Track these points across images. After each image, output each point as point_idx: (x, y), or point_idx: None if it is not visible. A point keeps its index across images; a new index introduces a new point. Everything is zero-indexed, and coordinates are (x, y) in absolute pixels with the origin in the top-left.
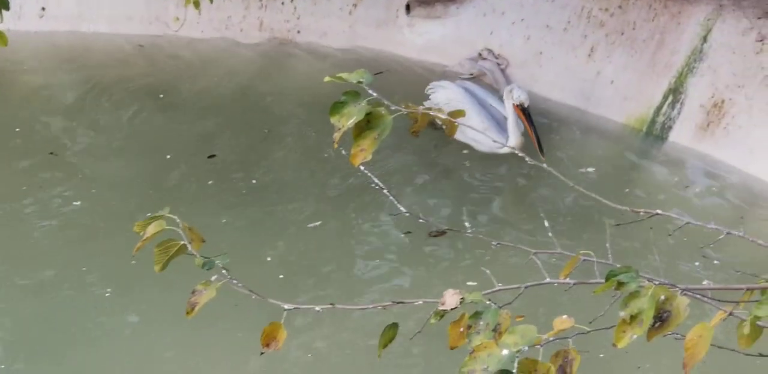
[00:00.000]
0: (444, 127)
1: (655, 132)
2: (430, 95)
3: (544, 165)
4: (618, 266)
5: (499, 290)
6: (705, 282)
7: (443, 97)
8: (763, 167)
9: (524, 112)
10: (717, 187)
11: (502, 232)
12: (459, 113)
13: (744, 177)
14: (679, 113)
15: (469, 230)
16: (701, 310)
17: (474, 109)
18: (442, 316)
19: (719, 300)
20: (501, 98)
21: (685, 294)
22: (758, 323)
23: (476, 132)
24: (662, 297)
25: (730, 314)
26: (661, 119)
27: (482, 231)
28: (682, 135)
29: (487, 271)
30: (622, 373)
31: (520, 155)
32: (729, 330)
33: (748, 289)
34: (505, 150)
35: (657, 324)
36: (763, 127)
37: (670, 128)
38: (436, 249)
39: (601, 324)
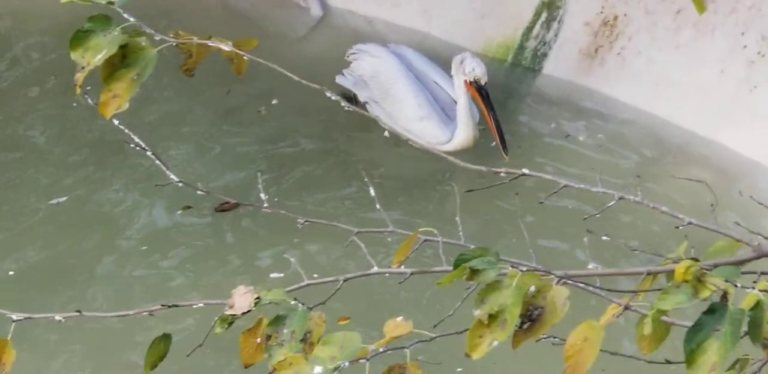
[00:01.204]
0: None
1: (525, 62)
2: (351, 62)
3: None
4: (471, 247)
5: (310, 284)
6: (591, 266)
7: (369, 67)
8: (669, 105)
9: (480, 92)
10: (608, 135)
11: (318, 206)
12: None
13: (645, 120)
14: (556, 36)
15: (267, 204)
16: (588, 304)
17: (410, 87)
18: (230, 323)
19: (610, 290)
20: (450, 73)
21: (563, 283)
22: (663, 319)
23: (411, 121)
24: (532, 288)
25: (626, 308)
26: (532, 44)
27: (290, 205)
28: (561, 65)
29: (292, 259)
30: None
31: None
32: (628, 329)
33: (648, 274)
34: (452, 147)
35: (526, 325)
36: (669, 52)
37: (544, 56)
38: (226, 230)
39: (452, 326)
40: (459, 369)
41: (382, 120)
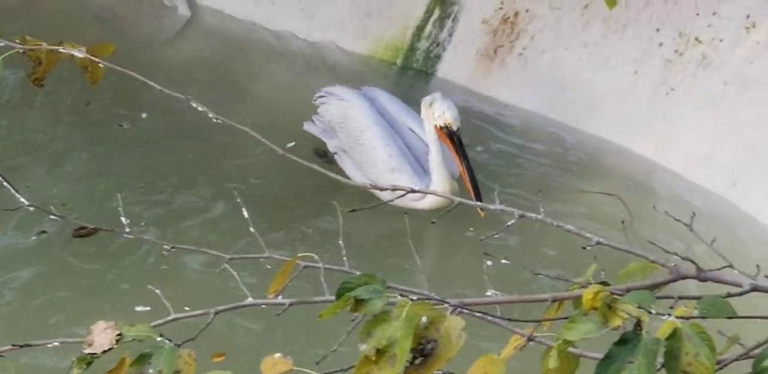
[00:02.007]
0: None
1: (416, 65)
2: (318, 105)
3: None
4: (356, 274)
5: (178, 319)
6: (490, 293)
7: (337, 112)
8: (577, 111)
9: (452, 138)
10: (509, 144)
11: (190, 229)
12: None
13: (549, 127)
14: (450, 35)
15: (129, 230)
16: (491, 334)
17: (381, 135)
18: (89, 363)
19: (512, 319)
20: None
21: (458, 313)
22: (571, 351)
23: (381, 173)
24: (424, 319)
25: (530, 339)
26: (423, 44)
27: (157, 229)
28: (456, 68)
29: (157, 291)
30: None
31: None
32: (534, 362)
33: (554, 301)
34: (427, 205)
35: (418, 361)
36: (576, 51)
37: (438, 57)
38: (86, 259)
39: (337, 363)
40: None
41: (350, 174)
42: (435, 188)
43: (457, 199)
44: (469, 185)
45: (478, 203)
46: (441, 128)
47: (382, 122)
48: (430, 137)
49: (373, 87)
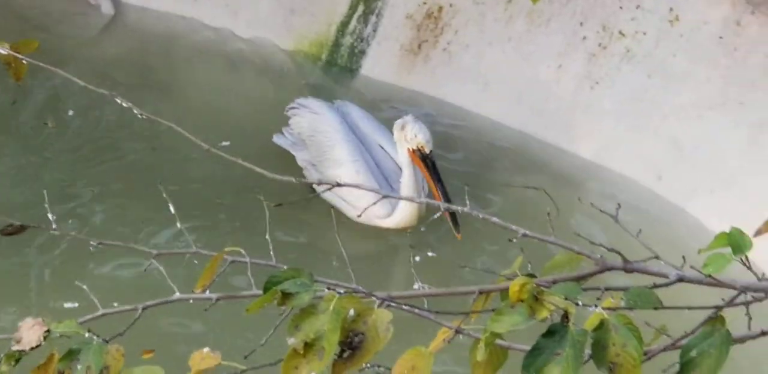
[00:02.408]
0: None
1: (341, 61)
2: (290, 117)
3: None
4: (284, 268)
5: (106, 314)
6: (416, 286)
7: (307, 125)
8: (502, 105)
9: (425, 161)
10: (434, 139)
11: (118, 226)
12: None
13: (475, 122)
14: (375, 31)
15: (55, 226)
16: (416, 328)
17: (349, 150)
18: (18, 360)
19: (440, 312)
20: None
21: (386, 306)
22: (499, 343)
23: (347, 189)
24: (351, 312)
25: (458, 332)
26: (348, 40)
27: (85, 226)
28: (381, 64)
29: (84, 287)
30: None
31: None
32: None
33: (480, 293)
34: (393, 224)
35: (346, 354)
36: (500, 46)
37: (362, 53)
38: (12, 257)
39: (266, 357)
40: None
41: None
42: (402, 209)
43: (424, 200)
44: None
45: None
46: (414, 151)
47: (352, 138)
48: (403, 160)
49: (345, 101)
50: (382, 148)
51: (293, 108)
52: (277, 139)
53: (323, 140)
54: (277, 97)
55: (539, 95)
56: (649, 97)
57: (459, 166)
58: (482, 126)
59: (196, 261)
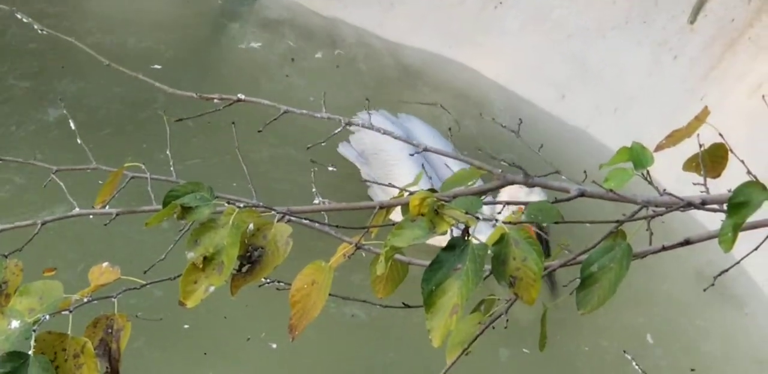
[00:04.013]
0: None
1: None
2: (352, 132)
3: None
4: (182, 183)
5: (5, 230)
6: (317, 201)
7: (370, 142)
8: (405, 25)
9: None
10: (337, 59)
11: (18, 143)
12: None
13: (378, 43)
14: None
15: None
16: (318, 245)
17: (413, 170)
18: None
19: (339, 226)
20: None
21: (288, 221)
22: (400, 258)
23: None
24: (251, 227)
25: (358, 247)
26: None
27: None
28: None
29: None
30: (217, 344)
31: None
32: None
33: (381, 207)
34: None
35: (245, 268)
36: None
37: None
38: None
39: (169, 271)
40: (186, 326)
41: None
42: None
43: None
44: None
45: (303, 111)
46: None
47: (416, 157)
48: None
49: (410, 116)
50: (448, 167)
51: (354, 124)
52: (343, 149)
53: (386, 159)
54: (191, 16)
55: (443, 13)
56: (554, 17)
57: (359, 82)
58: (386, 46)
59: (100, 181)
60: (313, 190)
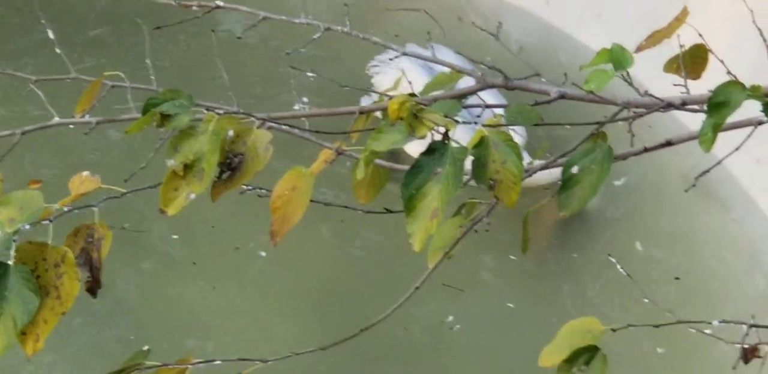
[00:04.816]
0: None
1: None
2: (372, 76)
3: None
4: (160, 90)
5: None
6: (297, 107)
7: (392, 81)
8: None
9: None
10: None
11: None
12: None
13: None
14: None
15: None
16: (301, 154)
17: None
18: None
19: (319, 132)
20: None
21: (269, 127)
22: (380, 163)
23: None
24: (231, 133)
25: (339, 153)
26: None
27: None
28: None
29: None
30: (206, 254)
31: None
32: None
33: (361, 113)
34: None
35: (225, 175)
36: None
37: None
38: None
39: (150, 179)
40: (175, 236)
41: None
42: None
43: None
44: None
45: (282, 16)
46: None
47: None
48: None
49: (440, 45)
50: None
51: (375, 66)
52: (364, 102)
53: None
54: None
55: None
56: None
57: None
58: None
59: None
60: (293, 92)
